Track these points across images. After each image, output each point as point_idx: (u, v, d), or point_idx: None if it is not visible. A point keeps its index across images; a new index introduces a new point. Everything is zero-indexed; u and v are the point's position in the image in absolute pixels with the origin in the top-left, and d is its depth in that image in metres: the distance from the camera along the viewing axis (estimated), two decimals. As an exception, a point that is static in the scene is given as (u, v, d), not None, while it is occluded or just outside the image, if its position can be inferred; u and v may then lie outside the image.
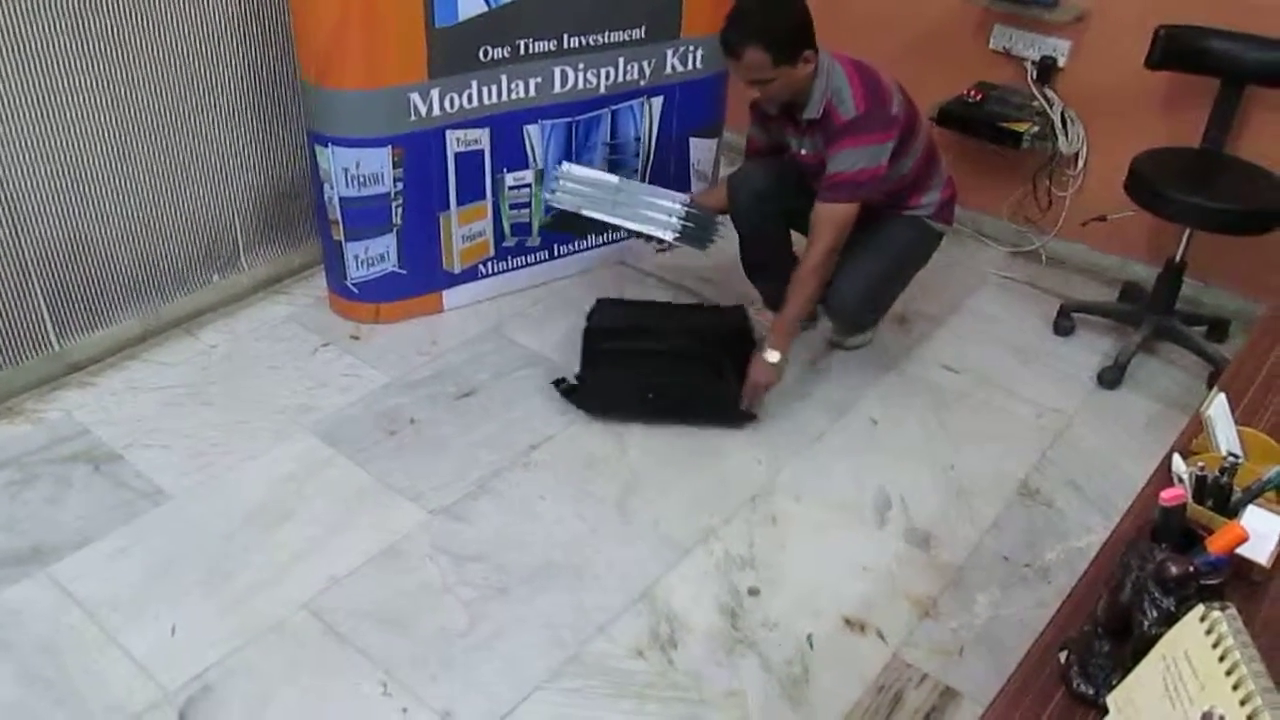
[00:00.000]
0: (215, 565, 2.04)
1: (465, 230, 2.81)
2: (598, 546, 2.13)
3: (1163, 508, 1.12)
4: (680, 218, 2.56)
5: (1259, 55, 2.63)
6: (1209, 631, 0.91)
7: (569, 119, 2.80)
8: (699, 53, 2.89)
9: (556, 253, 3.02)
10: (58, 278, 2.46)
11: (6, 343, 2.41)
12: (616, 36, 2.74)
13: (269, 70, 2.69)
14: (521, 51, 2.61)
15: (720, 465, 2.38)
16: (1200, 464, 1.31)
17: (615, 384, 2.48)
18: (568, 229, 2.97)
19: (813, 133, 2.37)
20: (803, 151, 2.44)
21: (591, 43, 2.71)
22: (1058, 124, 3.05)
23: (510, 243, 2.92)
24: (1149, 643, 1.00)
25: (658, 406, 2.45)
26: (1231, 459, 1.29)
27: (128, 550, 2.06)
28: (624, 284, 3.05)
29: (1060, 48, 3.02)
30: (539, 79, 2.68)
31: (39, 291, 2.43)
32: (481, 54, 2.56)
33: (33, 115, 2.26)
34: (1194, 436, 1.46)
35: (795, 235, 2.67)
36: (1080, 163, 3.12)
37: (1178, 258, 2.74)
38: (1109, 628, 1.09)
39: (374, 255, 2.71)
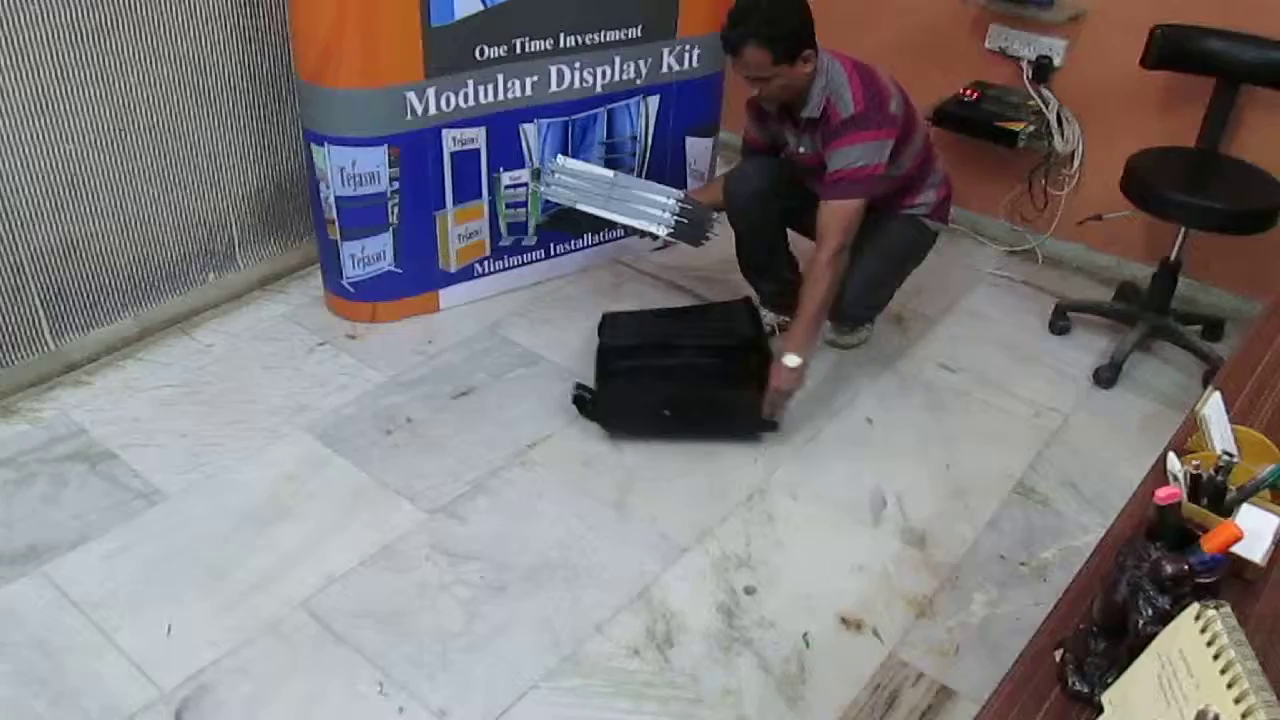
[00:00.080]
0: (211, 565, 2.04)
1: (462, 229, 2.80)
2: (594, 545, 2.13)
3: (1158, 506, 1.12)
4: (675, 213, 2.56)
5: (1255, 55, 2.64)
6: (1204, 630, 0.91)
7: (565, 118, 2.80)
8: (695, 52, 2.89)
9: (553, 252, 3.02)
10: (53, 277, 2.45)
11: (2, 342, 2.41)
12: (613, 35, 2.73)
13: (265, 69, 2.68)
14: (518, 50, 2.61)
15: (717, 464, 2.37)
16: (1196, 463, 1.32)
17: (632, 404, 2.41)
18: (564, 228, 2.97)
19: (811, 131, 2.37)
20: (801, 150, 2.44)
21: (588, 42, 2.71)
22: (1054, 123, 3.05)
23: (507, 242, 2.91)
24: (1144, 641, 1.00)
25: (677, 423, 2.39)
26: (1227, 458, 1.29)
27: (124, 550, 2.06)
28: (621, 283, 3.05)
29: (1056, 47, 3.02)
30: (535, 78, 2.68)
31: (34, 290, 2.43)
32: (478, 53, 2.55)
33: (27, 114, 2.26)
34: (1189, 435, 1.46)
35: (793, 235, 2.68)
36: (1076, 162, 3.13)
37: (1173, 257, 2.74)
38: (1105, 626, 1.09)
39: (370, 255, 2.70)
